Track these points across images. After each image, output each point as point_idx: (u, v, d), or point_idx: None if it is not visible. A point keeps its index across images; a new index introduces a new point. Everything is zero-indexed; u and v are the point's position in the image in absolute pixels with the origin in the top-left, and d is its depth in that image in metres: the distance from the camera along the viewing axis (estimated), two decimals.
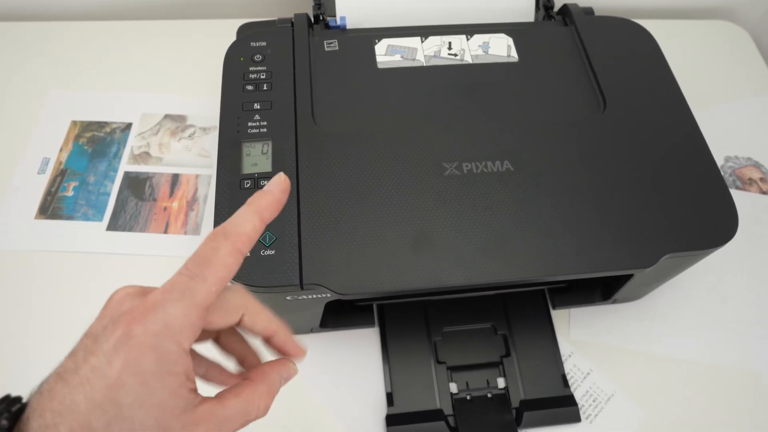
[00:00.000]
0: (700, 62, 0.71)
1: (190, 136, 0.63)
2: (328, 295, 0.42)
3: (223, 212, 0.42)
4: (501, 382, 0.50)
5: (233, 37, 0.52)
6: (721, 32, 0.74)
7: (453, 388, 0.50)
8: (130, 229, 0.57)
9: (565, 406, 0.49)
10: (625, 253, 0.42)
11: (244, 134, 0.46)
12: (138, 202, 0.58)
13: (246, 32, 0.53)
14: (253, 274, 0.40)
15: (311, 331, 0.52)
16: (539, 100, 0.49)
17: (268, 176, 0.43)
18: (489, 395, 0.50)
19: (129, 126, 0.63)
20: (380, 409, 0.49)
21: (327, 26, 0.54)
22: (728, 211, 0.44)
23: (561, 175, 0.44)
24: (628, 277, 0.47)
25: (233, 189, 0.43)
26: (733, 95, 0.69)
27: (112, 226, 0.57)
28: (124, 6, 0.74)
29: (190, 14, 0.75)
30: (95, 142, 0.62)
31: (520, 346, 0.52)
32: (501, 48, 0.52)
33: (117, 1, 0.73)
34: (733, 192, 0.45)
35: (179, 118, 0.64)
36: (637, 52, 0.52)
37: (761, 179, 0.62)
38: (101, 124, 0.63)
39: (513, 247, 0.41)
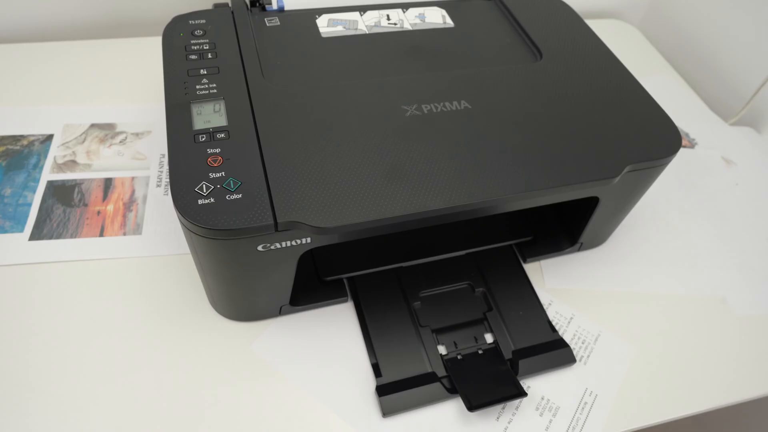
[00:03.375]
0: None
1: (121, 141, 0.58)
2: (304, 241, 0.39)
3: (179, 166, 0.38)
4: (489, 338, 0.48)
5: (159, 53, 0.48)
6: (615, 29, 0.83)
7: (442, 350, 0.47)
8: (58, 237, 0.50)
9: (558, 348, 0.47)
10: (592, 166, 0.42)
11: (193, 96, 0.43)
12: (66, 209, 0.52)
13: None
14: (221, 218, 0.36)
15: (280, 311, 0.47)
16: (481, 54, 0.51)
17: (224, 130, 0.41)
18: (480, 351, 0.47)
19: (50, 137, 0.58)
20: (368, 383, 0.45)
21: (264, 10, 0.54)
22: (669, 126, 0.47)
23: (518, 110, 0.45)
24: (592, 211, 0.48)
25: (187, 142, 0.40)
26: (638, 77, 0.76)
27: (36, 235, 0.50)
28: (41, 29, 0.70)
29: (110, 35, 0.72)
30: (9, 156, 0.56)
31: (500, 299, 0.50)
32: (436, 17, 0.54)
33: (35, 23, 0.70)
34: None
35: (108, 126, 0.60)
36: (559, 15, 0.56)
37: None
38: (16, 138, 0.57)
39: (488, 170, 0.41)
